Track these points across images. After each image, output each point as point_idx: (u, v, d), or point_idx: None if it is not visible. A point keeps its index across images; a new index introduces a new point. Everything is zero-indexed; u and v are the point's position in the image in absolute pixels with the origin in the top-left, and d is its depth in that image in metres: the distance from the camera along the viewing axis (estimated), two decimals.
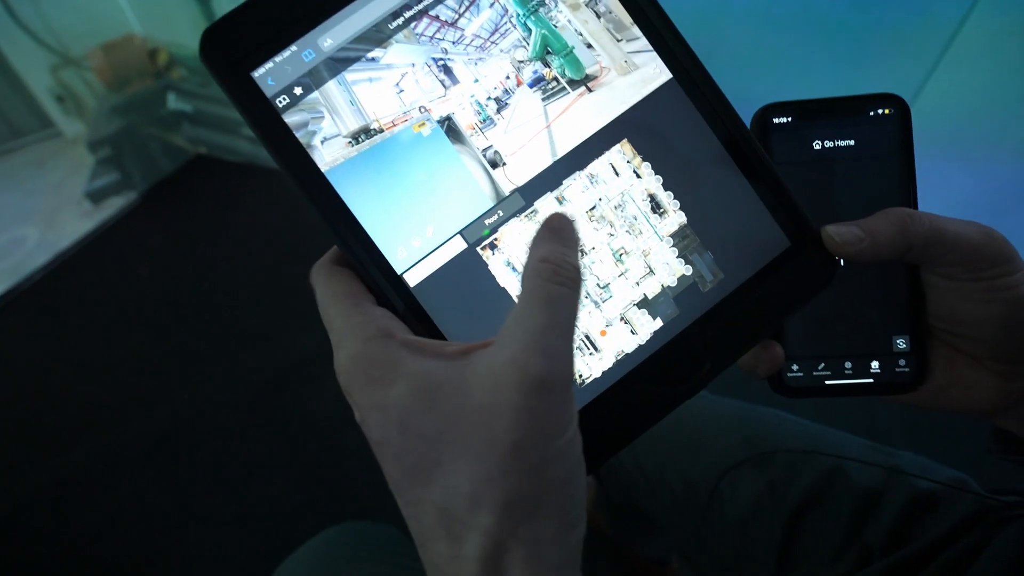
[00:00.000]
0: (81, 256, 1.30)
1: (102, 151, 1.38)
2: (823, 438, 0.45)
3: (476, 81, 0.25)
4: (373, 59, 0.24)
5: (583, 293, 0.26)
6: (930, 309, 0.29)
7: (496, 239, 0.25)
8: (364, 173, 0.24)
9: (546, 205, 0.26)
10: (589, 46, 0.26)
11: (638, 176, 0.27)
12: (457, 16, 0.25)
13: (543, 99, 0.26)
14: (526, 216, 0.26)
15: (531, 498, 0.18)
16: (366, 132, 0.24)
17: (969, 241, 0.26)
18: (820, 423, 0.47)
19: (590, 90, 0.26)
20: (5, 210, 1.35)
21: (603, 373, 0.26)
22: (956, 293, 0.27)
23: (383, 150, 0.24)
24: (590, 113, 0.26)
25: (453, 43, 0.25)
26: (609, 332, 0.26)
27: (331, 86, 0.24)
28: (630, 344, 0.26)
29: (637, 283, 0.27)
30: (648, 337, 0.27)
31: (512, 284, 0.26)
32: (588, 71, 0.26)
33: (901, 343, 0.30)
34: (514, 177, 0.25)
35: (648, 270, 0.27)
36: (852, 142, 0.30)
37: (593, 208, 0.26)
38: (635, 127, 0.26)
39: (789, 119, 0.30)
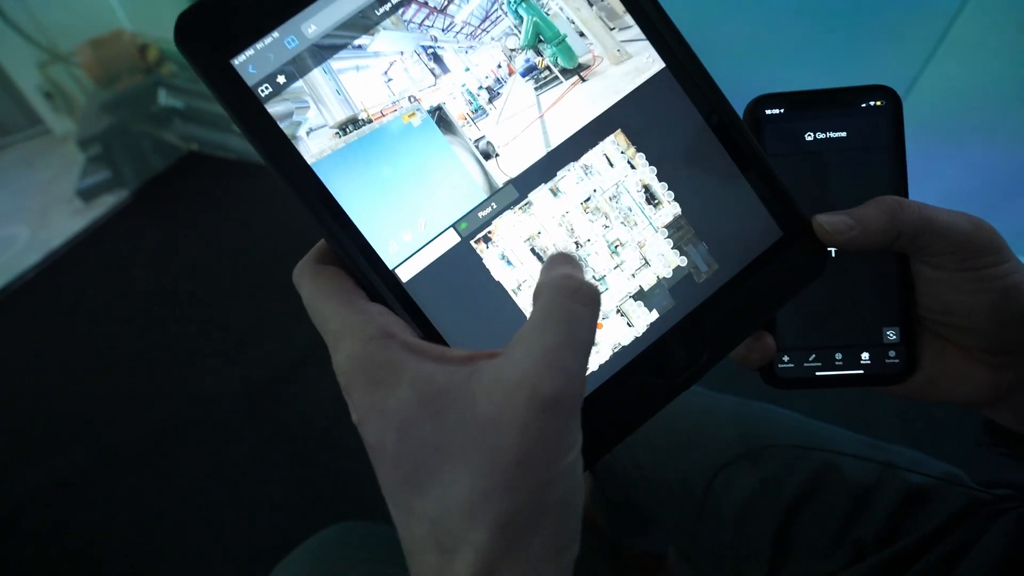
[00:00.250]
0: (73, 255, 1.29)
1: (92, 148, 1.37)
2: (817, 433, 0.45)
3: (467, 70, 0.25)
4: (360, 47, 0.23)
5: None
6: (920, 300, 0.29)
7: (490, 232, 0.25)
8: (352, 165, 0.23)
9: (540, 196, 0.25)
10: (582, 35, 0.25)
11: (632, 167, 0.26)
12: (446, 2, 0.24)
13: (536, 89, 0.25)
14: (520, 208, 0.25)
15: (528, 518, 0.18)
16: (354, 122, 0.23)
17: (958, 230, 0.26)
18: (814, 418, 0.47)
19: (583, 79, 0.26)
20: None
21: (600, 366, 0.26)
22: (946, 283, 0.27)
23: (372, 141, 0.24)
24: (583, 103, 0.26)
25: (443, 30, 0.24)
26: (605, 325, 0.26)
27: (316, 74, 0.23)
28: (627, 336, 0.26)
29: (633, 275, 0.26)
30: (644, 329, 0.26)
31: (507, 277, 0.25)
32: (581, 60, 0.26)
33: (891, 335, 0.30)
34: (507, 168, 0.25)
35: (644, 262, 0.26)
36: (844, 134, 0.30)
37: (588, 199, 0.26)
38: (629, 117, 0.26)
39: (782, 110, 0.30)
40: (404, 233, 0.24)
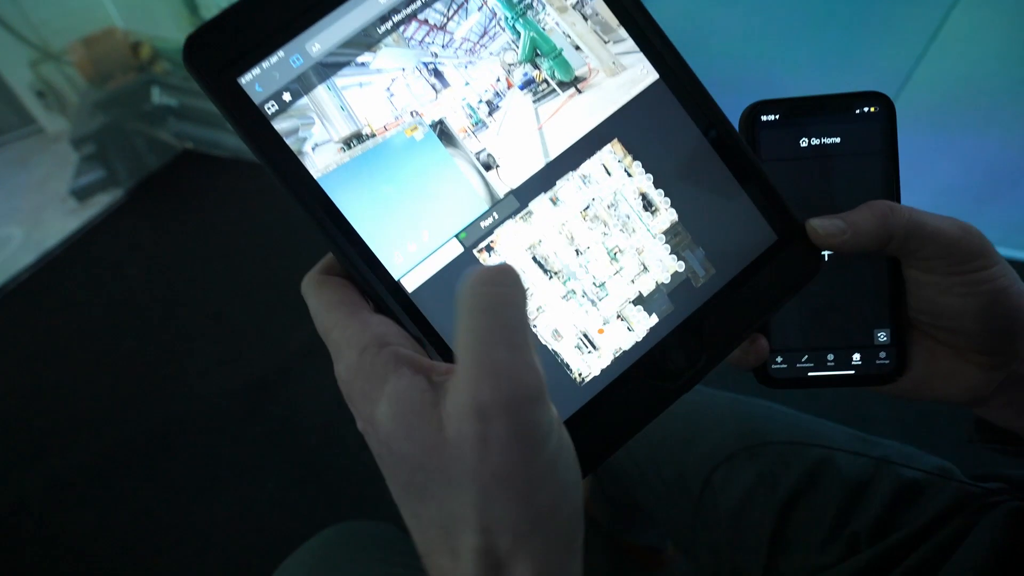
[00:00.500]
0: (68, 255, 1.29)
1: (86, 148, 1.36)
2: (812, 429, 0.45)
3: (467, 84, 0.25)
4: (363, 64, 0.24)
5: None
6: (912, 303, 0.30)
7: (492, 241, 0.25)
8: (357, 179, 0.24)
9: (540, 206, 0.26)
10: (577, 48, 0.26)
11: (629, 175, 0.27)
12: (446, 19, 0.25)
13: (534, 101, 0.26)
14: (521, 218, 0.26)
15: (522, 523, 0.18)
16: (358, 137, 0.24)
17: (946, 235, 0.26)
18: (809, 413, 0.48)
19: (580, 91, 0.26)
20: None
21: (602, 371, 0.26)
22: (936, 287, 0.28)
23: (376, 155, 0.24)
24: (581, 114, 0.26)
25: (443, 47, 0.25)
26: (607, 330, 0.27)
27: (321, 91, 0.23)
28: (627, 341, 0.27)
29: (632, 281, 0.27)
30: (645, 334, 0.27)
31: None
32: (577, 73, 0.26)
33: (882, 336, 0.31)
34: (508, 179, 0.26)
35: (642, 267, 0.27)
36: (838, 139, 0.30)
37: (587, 208, 0.26)
38: (625, 127, 0.27)
39: (777, 116, 0.31)
40: (409, 244, 0.25)
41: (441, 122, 0.25)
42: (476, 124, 0.25)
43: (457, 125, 0.25)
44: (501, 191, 0.25)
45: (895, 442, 0.44)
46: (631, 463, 0.52)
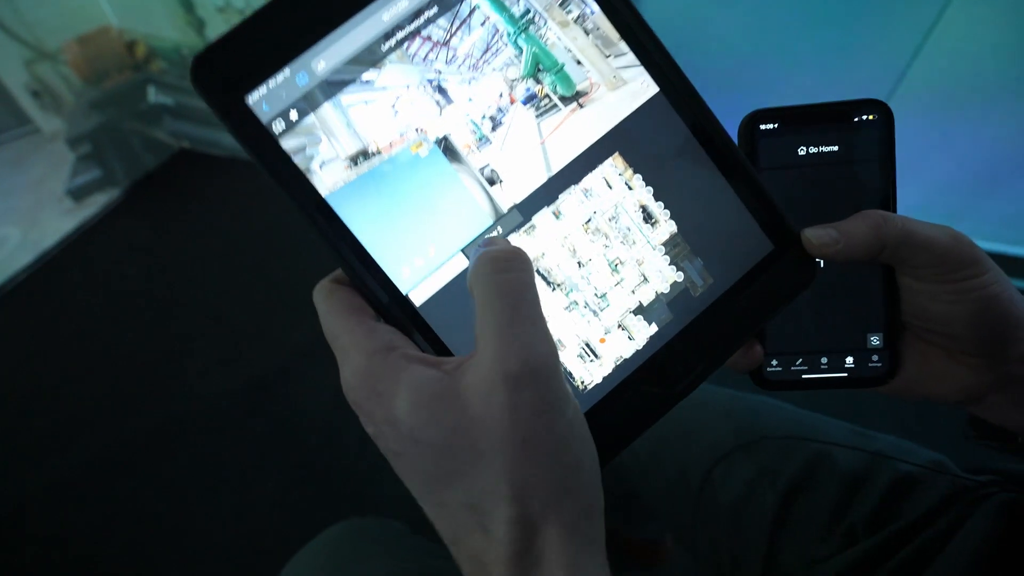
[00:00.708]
0: (65, 255, 1.28)
1: (82, 147, 1.36)
2: (810, 424, 0.46)
3: (470, 100, 0.25)
4: (368, 81, 0.24)
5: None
6: (905, 308, 0.30)
7: None
8: (364, 196, 0.24)
9: (543, 220, 0.27)
10: (579, 63, 0.26)
11: (630, 188, 0.27)
12: (449, 36, 0.25)
13: (536, 116, 0.26)
14: (525, 231, 0.26)
15: (553, 482, 0.19)
16: (364, 155, 0.24)
17: (937, 244, 0.27)
18: (807, 408, 0.49)
19: (581, 106, 0.27)
20: None
21: (604, 379, 0.27)
22: (927, 294, 0.29)
23: (382, 172, 0.25)
24: (582, 128, 0.27)
25: (446, 63, 0.25)
26: (608, 339, 0.27)
27: (327, 109, 0.24)
28: (628, 350, 0.27)
29: (632, 291, 0.28)
30: (645, 342, 0.28)
31: None
32: (579, 87, 0.26)
33: (875, 340, 0.32)
34: (512, 194, 0.26)
35: (642, 278, 0.28)
36: (836, 147, 0.31)
37: (588, 221, 0.27)
38: (626, 141, 0.27)
39: (776, 125, 0.31)
40: (416, 259, 0.25)
41: (446, 138, 0.25)
42: (480, 140, 0.26)
43: (461, 141, 0.25)
44: (505, 205, 0.26)
45: (891, 436, 0.45)
46: (632, 459, 0.52)
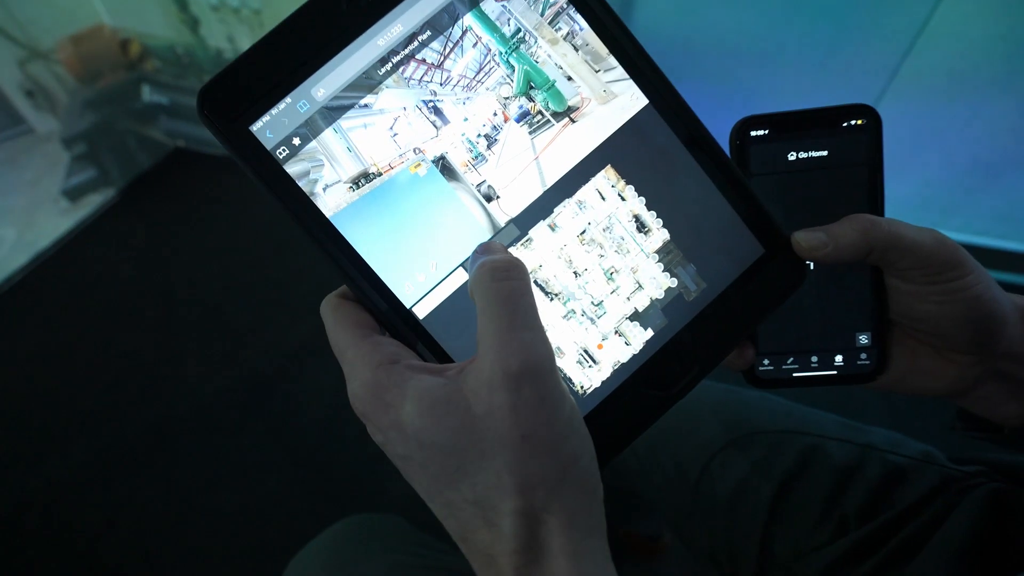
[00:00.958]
0: (61, 255, 1.28)
1: (77, 147, 1.36)
2: (802, 418, 0.47)
3: (465, 120, 0.26)
4: (366, 105, 0.25)
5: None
6: (893, 308, 0.31)
7: None
8: (367, 216, 0.25)
9: (540, 233, 0.27)
10: (569, 79, 0.27)
11: (623, 199, 0.28)
12: (442, 58, 0.26)
13: (530, 132, 0.27)
14: (522, 244, 0.27)
15: (554, 474, 0.21)
16: (365, 176, 0.25)
17: (923, 247, 0.28)
18: (799, 402, 0.50)
19: (573, 121, 0.27)
20: None
21: (602, 383, 0.28)
22: (914, 295, 0.30)
23: (383, 192, 0.25)
24: (575, 143, 0.27)
25: (441, 84, 0.26)
26: (605, 345, 0.28)
27: (328, 134, 0.25)
28: (625, 354, 0.28)
29: (628, 298, 0.29)
30: (641, 347, 0.29)
31: None
32: (570, 103, 0.27)
33: (863, 339, 0.33)
34: (508, 209, 0.27)
35: (637, 285, 0.29)
36: (825, 152, 0.32)
37: (583, 232, 0.28)
38: (617, 153, 0.28)
39: (766, 131, 0.32)
40: (418, 274, 0.26)
41: (443, 157, 0.26)
42: (476, 158, 0.26)
43: (458, 160, 0.26)
44: (502, 220, 0.27)
45: (882, 429, 0.46)
46: (631, 455, 0.54)
